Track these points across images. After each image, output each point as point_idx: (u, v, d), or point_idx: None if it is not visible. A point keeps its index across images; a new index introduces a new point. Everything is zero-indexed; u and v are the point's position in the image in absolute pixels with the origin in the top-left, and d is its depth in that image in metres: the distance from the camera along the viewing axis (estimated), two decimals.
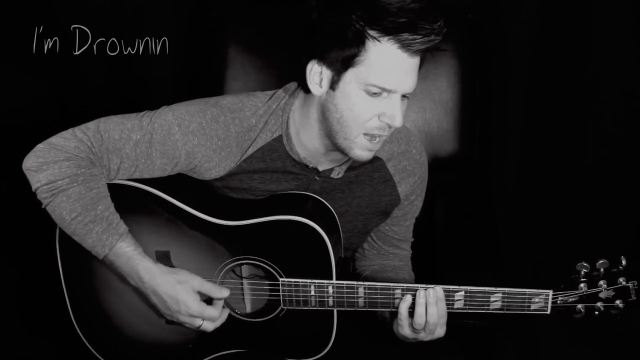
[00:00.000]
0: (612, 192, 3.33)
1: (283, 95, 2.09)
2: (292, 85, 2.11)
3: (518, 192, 3.39)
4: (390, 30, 1.84)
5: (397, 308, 2.00)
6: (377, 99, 1.90)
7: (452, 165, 2.89)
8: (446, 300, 1.99)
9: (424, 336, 2.01)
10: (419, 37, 1.84)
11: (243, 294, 2.14)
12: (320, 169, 2.10)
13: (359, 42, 1.86)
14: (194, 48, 3.30)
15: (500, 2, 3.18)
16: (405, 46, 1.85)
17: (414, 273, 2.34)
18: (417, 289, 1.98)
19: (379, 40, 1.85)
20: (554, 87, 3.22)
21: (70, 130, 2.01)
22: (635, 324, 3.18)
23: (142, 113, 2.05)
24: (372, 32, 1.85)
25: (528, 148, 3.32)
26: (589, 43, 3.16)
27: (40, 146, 1.99)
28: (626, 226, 3.33)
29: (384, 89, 1.89)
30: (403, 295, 2.00)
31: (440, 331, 2.01)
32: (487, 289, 1.98)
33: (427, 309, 1.96)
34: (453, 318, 2.26)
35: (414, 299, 1.98)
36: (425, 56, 1.94)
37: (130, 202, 2.05)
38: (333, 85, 1.92)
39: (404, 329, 2.01)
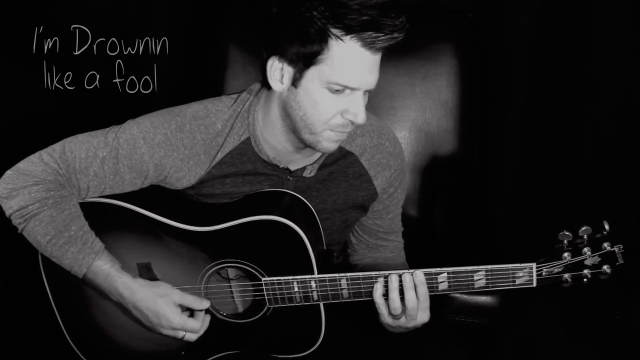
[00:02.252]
0: (611, 192, 3.31)
1: (247, 97, 2.09)
2: (256, 85, 2.11)
3: (517, 191, 3.39)
4: (353, 28, 1.82)
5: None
6: (340, 96, 1.89)
7: (452, 165, 2.89)
8: (430, 282, 1.97)
9: (405, 322, 1.99)
10: (382, 34, 1.83)
11: (232, 296, 2.14)
12: (292, 168, 2.09)
13: (322, 40, 1.84)
14: (194, 48, 3.31)
15: (500, 2, 3.19)
16: (368, 44, 1.84)
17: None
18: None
19: (341, 39, 1.83)
20: (554, 87, 3.22)
21: (37, 154, 2.03)
22: (633, 324, 3.15)
23: (107, 129, 2.06)
24: (334, 31, 1.83)
25: (527, 148, 3.31)
26: (588, 43, 3.16)
27: (8, 172, 2.01)
28: (626, 226, 3.30)
29: (347, 87, 1.88)
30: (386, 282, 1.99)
31: (424, 316, 1.99)
32: (469, 268, 1.96)
33: (405, 294, 1.95)
34: (452, 315, 2.29)
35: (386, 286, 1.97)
36: (402, 59, 1.93)
37: (106, 219, 2.07)
38: (295, 82, 1.91)
39: (384, 317, 2.00)
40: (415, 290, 1.96)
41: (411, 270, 1.97)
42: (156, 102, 2.17)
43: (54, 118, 3.30)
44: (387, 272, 1.98)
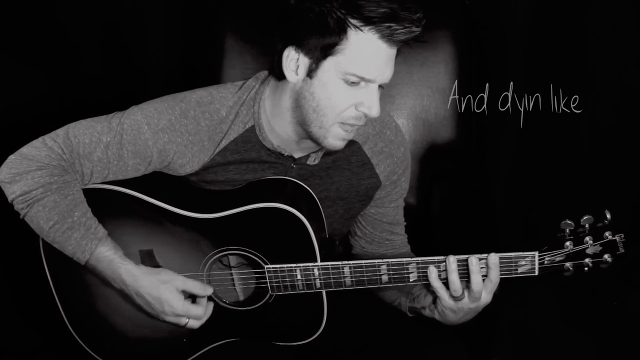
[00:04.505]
0: (609, 180, 3.31)
1: (253, 84, 2.09)
2: (263, 73, 2.11)
3: (515, 180, 3.39)
4: (372, 19, 1.84)
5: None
6: (355, 88, 1.90)
7: (450, 153, 2.89)
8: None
9: (468, 303, 1.97)
10: (401, 27, 1.84)
11: (233, 283, 2.14)
12: (296, 156, 2.10)
13: (340, 31, 1.85)
14: (191, 37, 3.30)
15: None
16: (386, 36, 1.85)
17: None
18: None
19: (361, 30, 1.85)
20: (551, 74, 3.21)
21: (40, 139, 2.02)
22: (631, 310, 3.16)
23: (111, 115, 2.05)
24: (353, 21, 1.84)
25: (525, 135, 3.30)
26: (585, 29, 3.15)
27: (11, 157, 2.00)
28: (624, 213, 3.29)
29: (363, 79, 1.89)
30: (388, 270, 2.00)
31: (488, 298, 1.98)
32: (475, 256, 1.96)
33: (471, 278, 1.94)
34: None
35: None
36: (401, 48, 1.93)
37: (108, 206, 2.06)
38: (310, 73, 1.91)
39: (446, 300, 1.98)
40: (487, 274, 1.96)
41: (484, 255, 1.96)
42: (152, 91, 2.17)
43: (52, 106, 3.27)
44: (391, 260, 1.99)
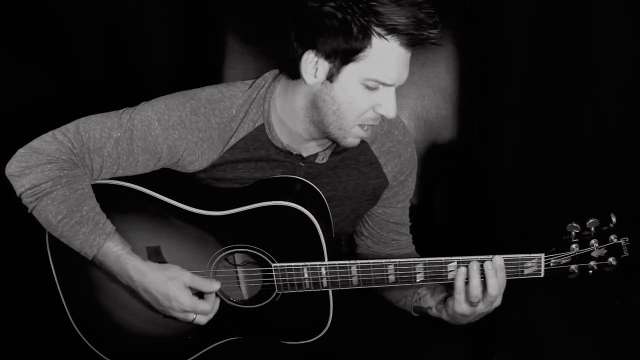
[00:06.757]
0: (610, 180, 3.32)
1: (263, 83, 2.09)
2: (273, 72, 2.11)
3: (516, 178, 3.39)
4: (396, 28, 1.84)
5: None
6: (374, 91, 1.92)
7: (451, 152, 2.89)
8: (440, 271, 1.99)
9: (482, 308, 1.98)
10: (421, 34, 1.86)
11: (238, 282, 2.15)
12: (305, 154, 2.10)
13: (364, 38, 1.86)
14: (192, 37, 3.29)
15: None
16: (406, 42, 1.87)
17: None
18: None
19: (385, 38, 1.85)
20: (552, 73, 3.23)
21: (50, 133, 2.01)
22: (633, 310, 3.18)
23: (121, 110, 2.05)
24: (378, 29, 1.85)
25: (526, 134, 3.31)
26: (586, 28, 3.15)
27: (21, 151, 2.00)
28: (625, 212, 3.30)
29: (384, 84, 1.91)
30: (395, 270, 2.00)
31: (499, 301, 2.00)
32: (479, 257, 1.97)
33: (487, 281, 1.94)
34: None
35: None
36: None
37: (116, 201, 2.06)
38: (331, 77, 1.92)
39: (461, 304, 1.99)
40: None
41: (490, 256, 1.97)
42: (152, 91, 2.17)
43: (52, 106, 3.27)
44: (398, 260, 2.00)
